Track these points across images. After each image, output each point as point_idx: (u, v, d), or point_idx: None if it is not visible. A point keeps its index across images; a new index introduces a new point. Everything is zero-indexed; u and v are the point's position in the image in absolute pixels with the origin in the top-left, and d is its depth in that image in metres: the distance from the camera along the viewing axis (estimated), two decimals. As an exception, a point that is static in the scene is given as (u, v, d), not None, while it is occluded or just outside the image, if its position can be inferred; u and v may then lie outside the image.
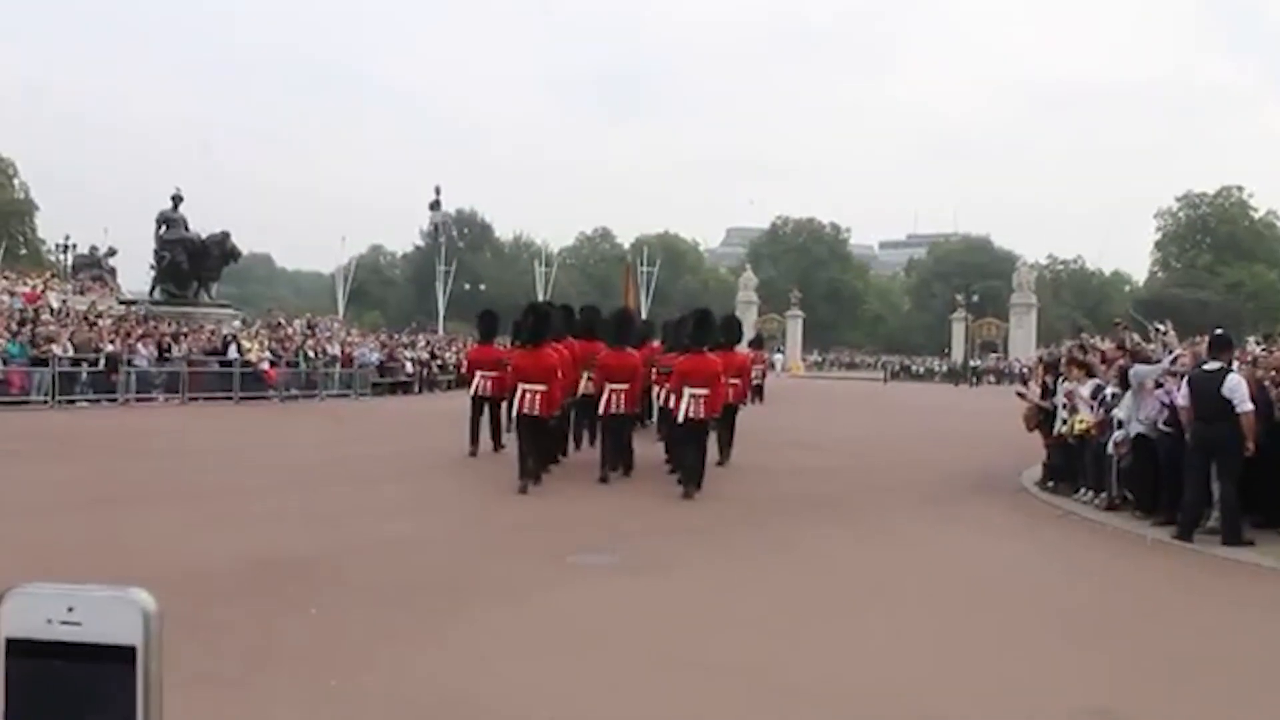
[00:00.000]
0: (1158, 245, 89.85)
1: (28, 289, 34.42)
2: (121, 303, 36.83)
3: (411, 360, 34.24)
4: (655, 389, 15.12)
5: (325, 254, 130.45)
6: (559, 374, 12.86)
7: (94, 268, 46.77)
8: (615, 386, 13.36)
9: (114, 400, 23.49)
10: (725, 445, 15.33)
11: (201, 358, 26.66)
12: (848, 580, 8.46)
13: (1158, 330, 13.21)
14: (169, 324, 28.92)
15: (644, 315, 29.48)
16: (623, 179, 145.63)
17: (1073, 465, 13.12)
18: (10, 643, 0.81)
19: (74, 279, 44.06)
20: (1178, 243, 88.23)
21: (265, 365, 27.63)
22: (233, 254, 35.90)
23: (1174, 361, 11.29)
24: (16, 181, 77.47)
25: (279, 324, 35.41)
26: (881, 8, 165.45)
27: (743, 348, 19.39)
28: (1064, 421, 13.20)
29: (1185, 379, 10.58)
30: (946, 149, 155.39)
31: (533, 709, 5.24)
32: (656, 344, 16.82)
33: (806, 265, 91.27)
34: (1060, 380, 13.86)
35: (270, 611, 6.71)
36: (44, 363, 22.71)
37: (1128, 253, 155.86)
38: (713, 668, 5.90)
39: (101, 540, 8.80)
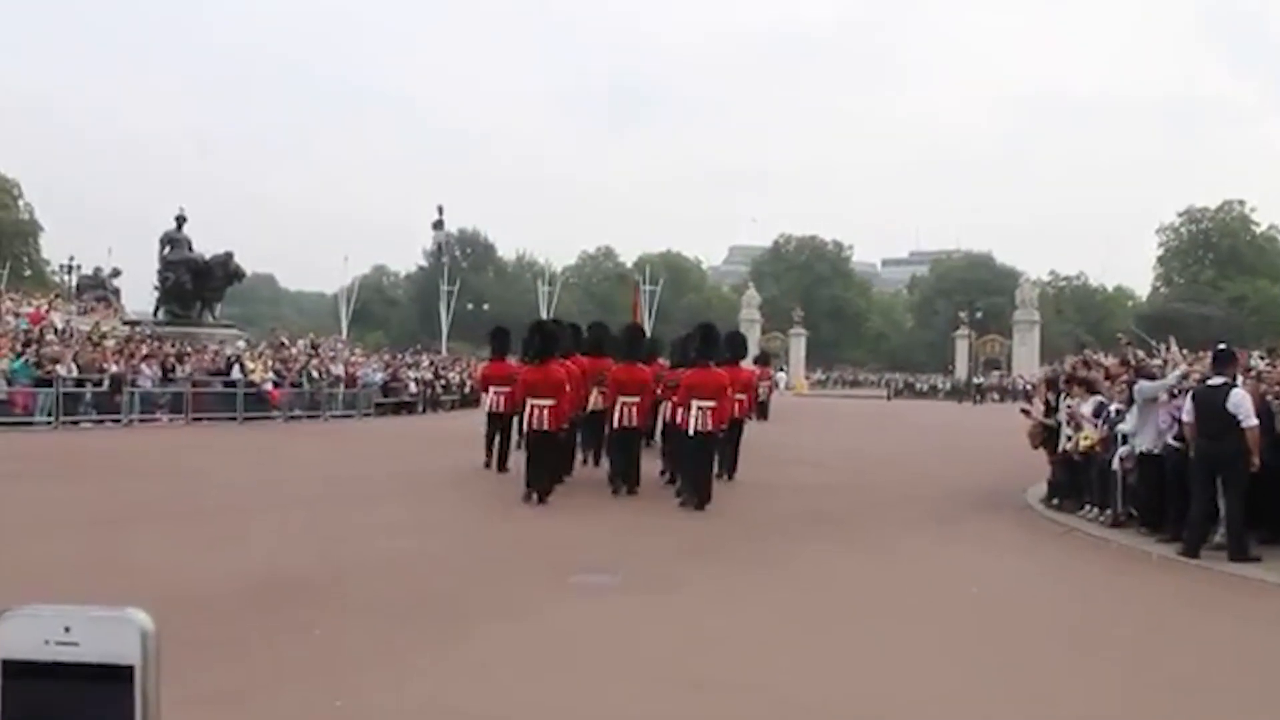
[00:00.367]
0: (1160, 260, 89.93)
1: (32, 309, 34.48)
2: (125, 323, 36.89)
3: (415, 380, 34.27)
4: (662, 405, 15.14)
5: (328, 274, 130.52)
6: (566, 389, 13.08)
7: (98, 288, 46.93)
8: (627, 400, 13.56)
9: (118, 421, 23.50)
10: (731, 461, 15.41)
11: (205, 378, 26.69)
12: (851, 597, 8.43)
13: (1161, 347, 13.21)
14: (173, 344, 28.95)
15: (648, 333, 29.53)
16: (624, 196, 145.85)
17: (1078, 482, 13.10)
18: (6, 664, 0.81)
19: (78, 300, 44.18)
20: (1180, 258, 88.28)
21: (269, 386, 27.65)
22: (236, 274, 36.02)
23: (1185, 378, 11.26)
24: (21, 202, 77.69)
25: (282, 344, 35.44)
26: (883, 22, 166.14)
27: (748, 364, 19.46)
28: (1068, 438, 13.19)
29: (1189, 394, 10.56)
30: (948, 164, 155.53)
31: (536, 728, 5.22)
32: (662, 361, 16.91)
33: (809, 283, 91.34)
34: (1062, 397, 13.86)
35: (273, 631, 6.70)
36: (48, 383, 22.73)
37: (1130, 268, 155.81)
38: (716, 686, 5.88)
39: (104, 560, 8.78)
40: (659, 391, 14.93)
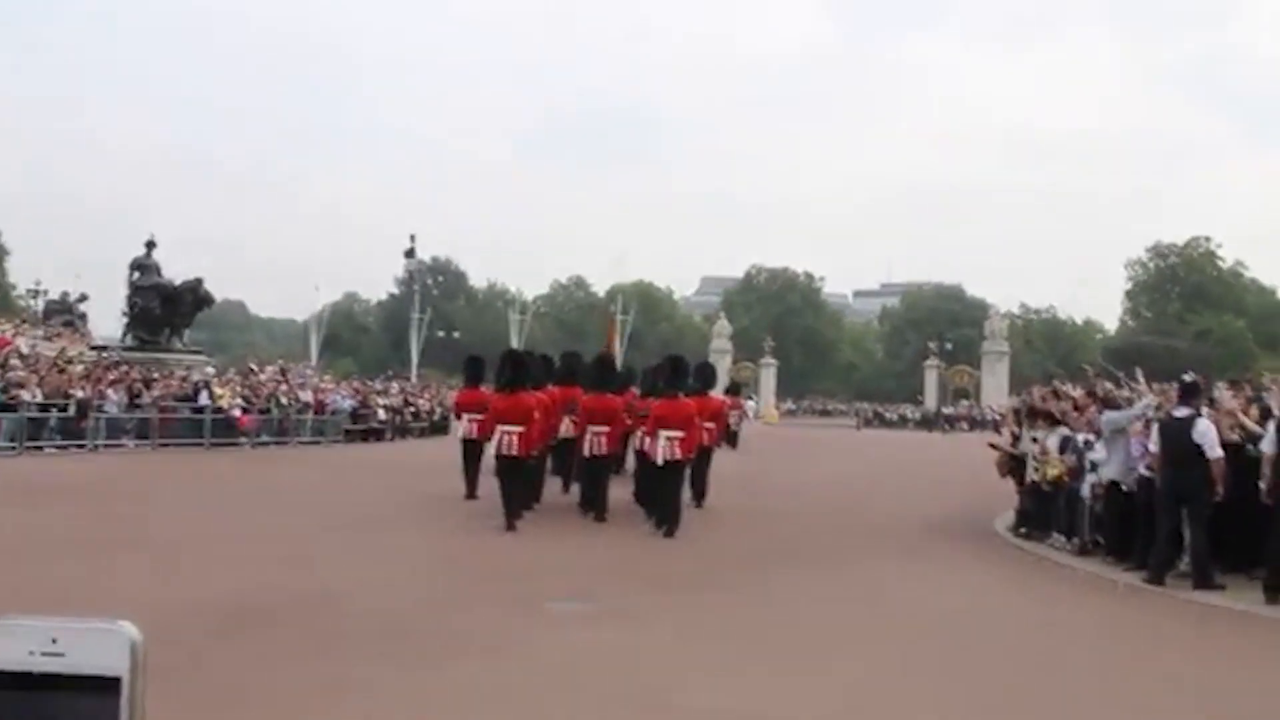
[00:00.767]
0: (1128, 294, 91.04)
1: (-3, 334, 34.17)
2: (92, 348, 36.61)
3: (385, 407, 34.15)
4: (634, 435, 15.24)
5: (299, 301, 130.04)
6: (535, 416, 13.36)
7: (65, 313, 46.58)
8: (596, 429, 13.87)
9: (83, 447, 23.28)
10: (701, 488, 15.68)
11: (173, 404, 26.50)
12: (821, 626, 8.46)
13: (1132, 382, 13.36)
14: (140, 370, 28.74)
15: (620, 363, 29.62)
16: (596, 227, 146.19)
17: (1045, 511, 13.20)
18: None
19: (45, 324, 43.82)
20: (1148, 292, 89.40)
21: (237, 412, 27.48)
22: (205, 300, 35.81)
23: (1157, 408, 11.37)
24: (-13, 228, 76.99)
25: (251, 370, 35.25)
26: (855, 56, 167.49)
27: (718, 394, 19.63)
28: (1035, 469, 13.31)
29: (1156, 425, 10.68)
30: (920, 197, 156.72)
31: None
32: (634, 390, 17.00)
33: (780, 313, 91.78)
34: (1026, 428, 14.02)
35: (240, 659, 6.65)
36: (12, 409, 22.51)
37: (1098, 301, 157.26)
38: (690, 713, 5.88)
39: (68, 586, 8.71)
40: (629, 421, 15.08)
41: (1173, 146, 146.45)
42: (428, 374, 64.27)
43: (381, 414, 33.48)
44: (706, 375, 16.92)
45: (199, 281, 35.19)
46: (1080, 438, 12.61)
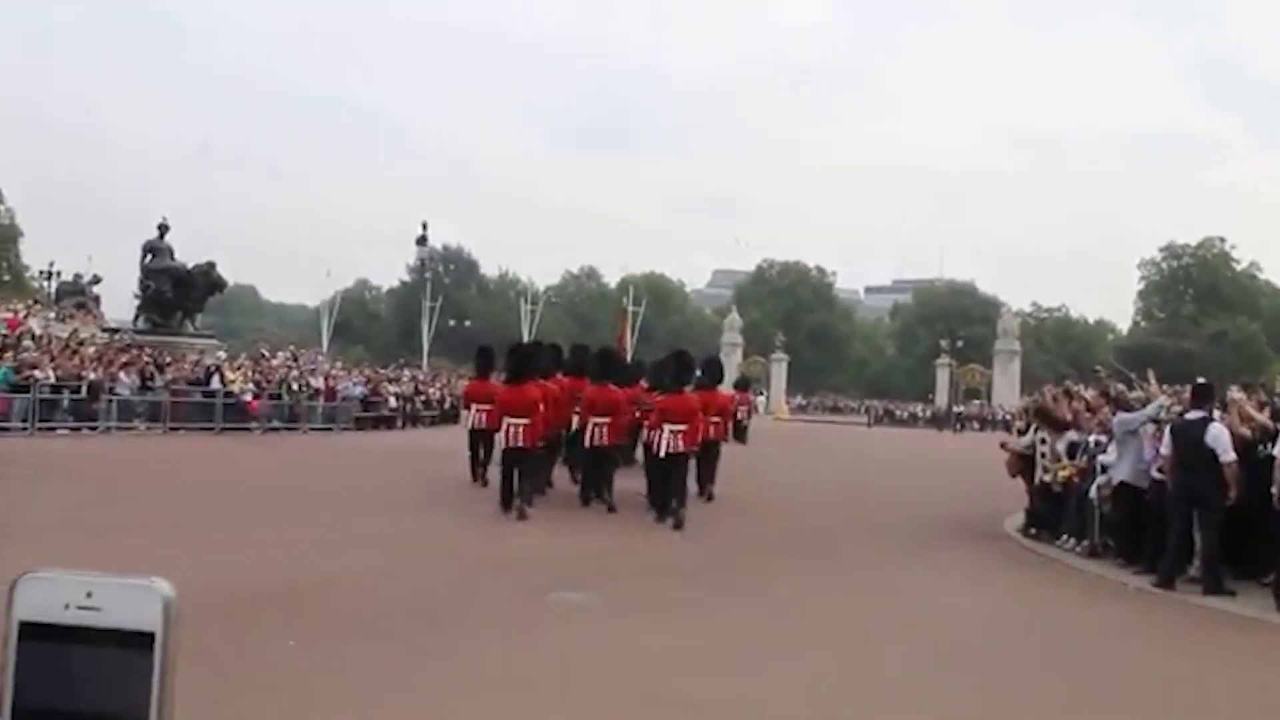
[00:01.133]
0: (1141, 295, 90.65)
1: (10, 315, 34.27)
2: (105, 330, 36.70)
3: (395, 395, 34.19)
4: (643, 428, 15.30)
5: (310, 287, 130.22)
6: (540, 408, 13.57)
7: (78, 295, 46.68)
8: (598, 420, 14.12)
9: (94, 428, 23.36)
10: (708, 481, 15.83)
11: (184, 387, 26.57)
12: (827, 621, 8.44)
13: (1140, 382, 13.33)
14: (151, 352, 28.80)
15: (630, 355, 29.64)
16: (609, 217, 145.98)
17: (1055, 512, 13.15)
18: (23, 625, 0.82)
19: (57, 306, 43.93)
20: (1161, 293, 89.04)
21: (248, 396, 27.55)
22: (218, 284, 35.83)
23: (1167, 410, 11.33)
24: (2, 207, 77.33)
25: (262, 355, 35.34)
26: (871, 52, 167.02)
27: (727, 388, 19.72)
28: (1045, 470, 13.27)
29: (1168, 428, 10.63)
30: (933, 194, 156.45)
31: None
32: (644, 384, 17.03)
33: (792, 308, 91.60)
34: (1034, 430, 13.98)
35: (248, 641, 6.66)
36: (25, 389, 22.59)
37: (1111, 301, 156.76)
38: (692, 706, 5.88)
39: (75, 566, 8.71)
40: (637, 414, 15.17)
41: (1187, 145, 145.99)
42: (438, 363, 64.33)
43: (392, 402, 33.53)
44: (714, 370, 17.08)
45: (211, 265, 35.21)
46: (1091, 439, 12.56)
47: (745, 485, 17.37)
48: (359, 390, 32.70)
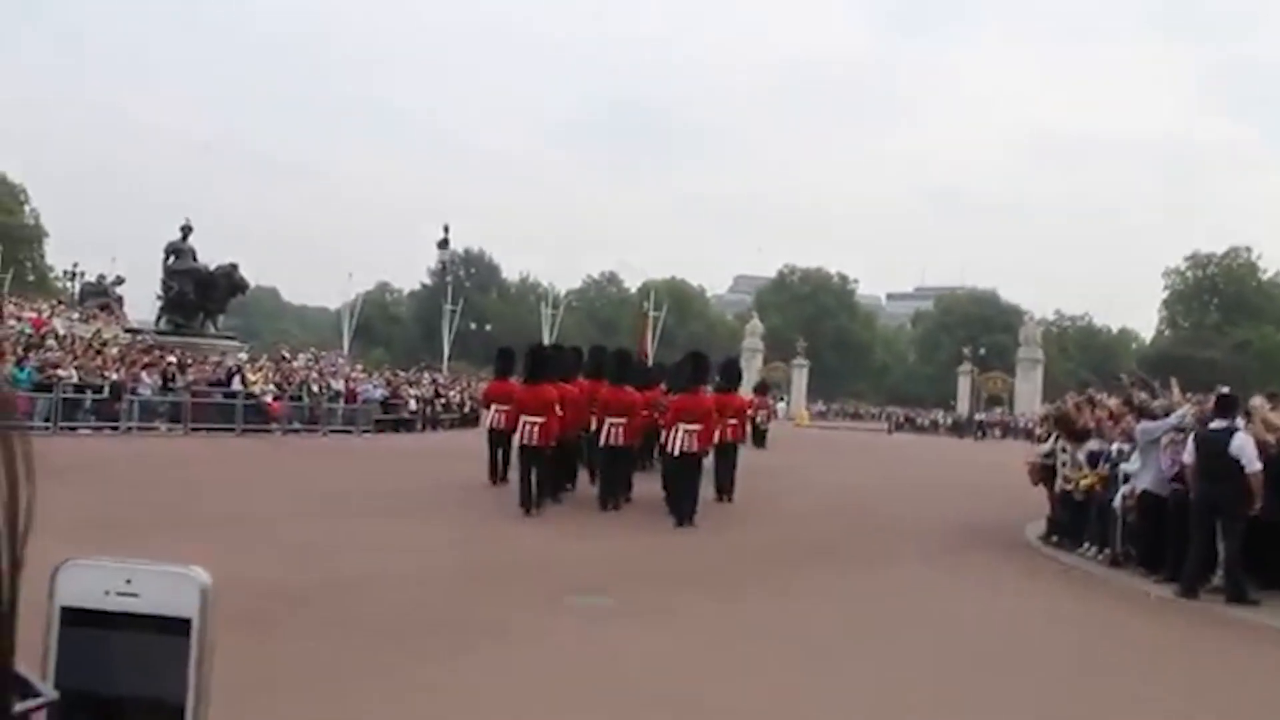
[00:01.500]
0: (1165, 304, 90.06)
1: (35, 315, 34.54)
2: (127, 331, 36.95)
3: (416, 398, 34.28)
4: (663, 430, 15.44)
5: (332, 289, 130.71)
6: (556, 408, 13.90)
7: (101, 296, 47.01)
8: (613, 421, 14.36)
9: (116, 428, 23.50)
10: (728, 483, 16.02)
11: (205, 389, 26.71)
12: (846, 629, 8.41)
13: (1165, 391, 13.26)
14: (173, 354, 28.97)
15: (651, 359, 29.75)
16: (631, 222, 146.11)
17: (1077, 520, 13.08)
18: (65, 611, 0.83)
19: (80, 306, 44.23)
20: (1185, 302, 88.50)
21: (269, 398, 27.66)
22: (240, 286, 36.07)
23: (1190, 418, 11.26)
24: (27, 208, 77.91)
25: (284, 357, 35.51)
26: (893, 59, 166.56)
27: (746, 392, 19.87)
28: (1066, 479, 13.20)
29: (1192, 437, 10.56)
30: (955, 201, 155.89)
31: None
32: (663, 387, 17.13)
33: (813, 314, 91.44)
34: (1055, 438, 13.91)
35: (266, 642, 6.68)
36: (48, 388, 22.76)
37: (1135, 310, 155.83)
38: (710, 712, 5.87)
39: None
40: (654, 416, 15.39)
41: (1213, 152, 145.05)
42: (458, 366, 64.49)
43: (412, 404, 33.61)
44: (732, 372, 17.47)
45: (233, 267, 35.44)
46: (1113, 448, 12.49)
47: (764, 490, 17.34)
48: (379, 393, 32.79)
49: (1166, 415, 11.71)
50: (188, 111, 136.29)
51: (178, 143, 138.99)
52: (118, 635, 0.83)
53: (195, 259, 35.38)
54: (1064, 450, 13.52)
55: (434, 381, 40.18)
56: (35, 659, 0.81)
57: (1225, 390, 11.06)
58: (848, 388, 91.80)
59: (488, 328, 75.57)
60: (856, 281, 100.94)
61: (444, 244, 68.79)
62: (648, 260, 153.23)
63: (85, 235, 76.11)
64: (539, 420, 13.58)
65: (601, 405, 14.71)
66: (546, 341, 56.86)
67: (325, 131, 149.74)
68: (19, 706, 0.77)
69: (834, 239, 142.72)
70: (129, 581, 0.84)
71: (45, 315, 35.32)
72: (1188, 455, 10.41)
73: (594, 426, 15.22)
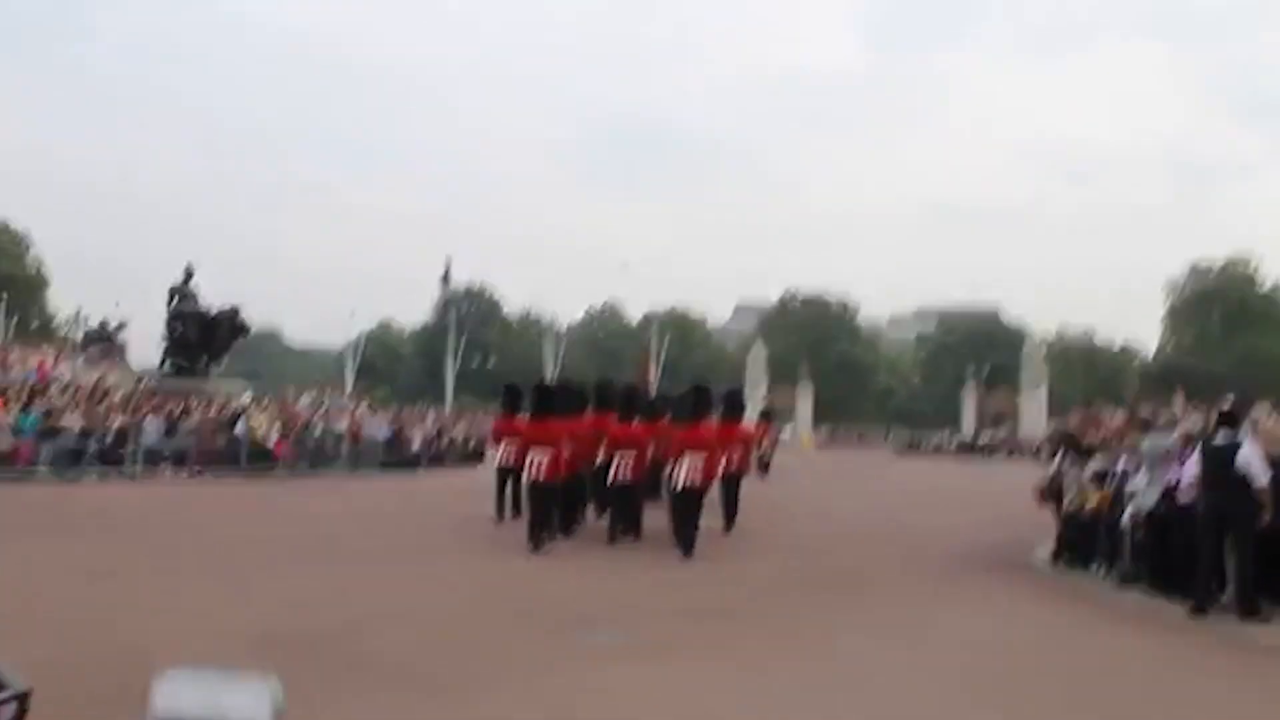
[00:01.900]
0: (1167, 316, 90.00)
1: (38, 362, 34.63)
2: (131, 376, 37.02)
3: (420, 436, 34.24)
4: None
5: (334, 329, 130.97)
6: (563, 443, 14.02)
7: (104, 341, 47.14)
8: (624, 454, 14.50)
9: (121, 474, 23.48)
10: (730, 513, 16.17)
11: (210, 432, 26.70)
12: (856, 659, 8.35)
13: (1165, 405, 13.27)
14: (177, 399, 29.00)
15: (655, 391, 29.78)
16: (632, 246, 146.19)
17: (1085, 540, 13.02)
18: None
19: (84, 352, 44.33)
20: (1186, 313, 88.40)
21: (273, 440, 27.67)
22: (242, 329, 36.20)
23: (1191, 432, 11.24)
24: (30, 255, 78.24)
25: (287, 400, 35.56)
26: (883, 74, 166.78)
27: (750, 420, 19.99)
28: (1070, 501, 13.16)
29: (1197, 451, 10.53)
30: (954, 220, 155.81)
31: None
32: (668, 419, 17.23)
33: (816, 339, 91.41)
34: (1061, 457, 13.89)
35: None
36: (52, 435, 22.78)
37: (1137, 323, 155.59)
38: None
39: (110, 612, 8.75)
40: (659, 449, 15.44)
41: (1213, 162, 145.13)
42: (463, 402, 64.50)
43: (417, 443, 33.58)
44: (735, 402, 17.77)
45: (236, 310, 35.58)
46: (1119, 466, 12.46)
47: (770, 519, 17.33)
48: (384, 432, 32.78)
49: (1172, 430, 11.71)
50: (189, 153, 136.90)
51: (176, 180, 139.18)
52: None
53: (198, 302, 35.53)
54: (1070, 469, 13.49)
55: (438, 419, 40.15)
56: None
57: (1229, 402, 11.05)
58: (852, 412, 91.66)
59: (491, 363, 75.69)
60: (858, 305, 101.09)
61: (446, 279, 68.96)
62: (648, 282, 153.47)
63: (88, 281, 76.41)
64: (546, 456, 13.73)
65: (611, 440, 14.84)
66: (549, 375, 57.02)
67: (324, 170, 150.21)
68: None
69: (835, 258, 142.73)
70: (209, 691, 0.96)
71: (49, 362, 35.40)
72: (1192, 471, 10.37)
73: (599, 461, 15.23)
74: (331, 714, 6.21)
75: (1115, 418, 14.24)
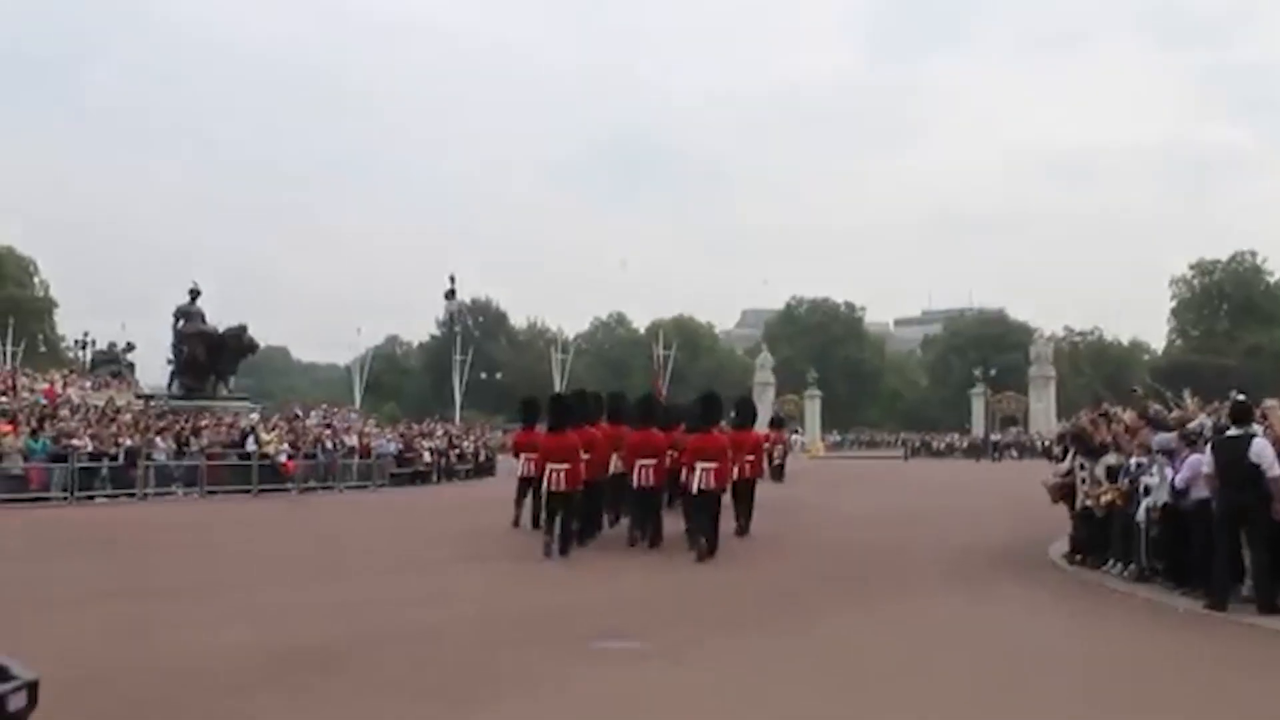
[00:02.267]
0: (1174, 313, 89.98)
1: (48, 385, 34.72)
2: (140, 397, 37.09)
3: (430, 450, 34.27)
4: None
5: (341, 346, 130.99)
6: (581, 453, 14.28)
7: (112, 363, 47.34)
8: (644, 462, 14.83)
9: (132, 495, 23.52)
10: (745, 518, 16.46)
11: (220, 450, 26.74)
12: (874, 663, 8.31)
13: (1175, 401, 13.23)
14: (186, 418, 29.05)
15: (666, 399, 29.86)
16: (635, 261, 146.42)
17: (1100, 537, 12.98)
18: None
19: (93, 375, 44.44)
20: (1194, 310, 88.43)
21: (283, 457, 27.69)
22: (250, 347, 36.24)
23: (1202, 429, 11.21)
24: (37, 280, 78.53)
25: (296, 415, 35.58)
26: (883, 82, 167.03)
27: (761, 427, 20.17)
28: (1086, 496, 13.12)
29: (1209, 445, 10.50)
30: (958, 222, 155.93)
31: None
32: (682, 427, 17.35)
33: (823, 344, 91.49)
34: (1073, 455, 13.85)
35: (290, 702, 6.65)
36: (63, 458, 22.83)
37: (1145, 321, 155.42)
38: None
39: (123, 632, 8.76)
40: (674, 456, 15.58)
41: (1214, 159, 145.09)
42: (470, 415, 64.52)
43: (426, 457, 33.60)
44: (746, 410, 18.23)
45: (243, 329, 35.64)
46: (1132, 461, 12.42)
47: (785, 525, 17.35)
48: (393, 447, 32.82)
49: (1182, 426, 11.66)
50: (191, 172, 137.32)
51: (179, 202, 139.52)
52: None
53: (204, 321, 35.60)
54: (1082, 467, 13.45)
55: (447, 433, 40.18)
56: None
57: (1240, 397, 11.01)
58: (861, 416, 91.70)
59: (498, 375, 75.73)
60: (864, 309, 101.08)
61: (451, 294, 69.00)
62: (654, 291, 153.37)
63: (95, 303, 76.71)
64: (565, 466, 13.93)
65: (631, 448, 15.15)
66: (558, 386, 57.07)
67: (328, 186, 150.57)
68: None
69: (839, 266, 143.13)
70: None
71: (58, 385, 35.48)
72: (1206, 465, 10.34)
73: (617, 469, 15.66)
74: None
75: (1125, 414, 14.15)
